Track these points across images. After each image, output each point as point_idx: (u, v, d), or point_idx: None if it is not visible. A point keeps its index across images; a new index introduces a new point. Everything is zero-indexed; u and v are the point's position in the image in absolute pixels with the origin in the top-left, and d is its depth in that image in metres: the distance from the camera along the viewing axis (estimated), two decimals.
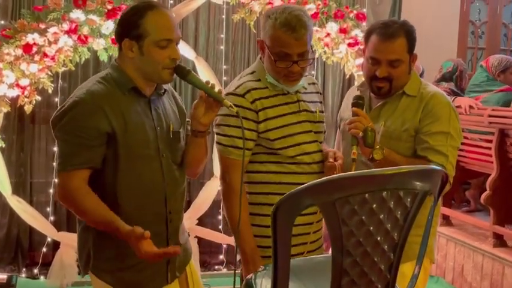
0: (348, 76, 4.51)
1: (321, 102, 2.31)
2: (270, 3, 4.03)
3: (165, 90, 2.07)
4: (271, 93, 2.15)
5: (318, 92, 2.33)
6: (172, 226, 2.03)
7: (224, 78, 4.56)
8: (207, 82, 1.93)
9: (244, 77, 2.19)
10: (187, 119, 2.14)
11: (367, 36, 2.26)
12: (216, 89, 1.93)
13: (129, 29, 1.88)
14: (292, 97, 2.19)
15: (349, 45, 4.19)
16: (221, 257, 4.72)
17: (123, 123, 1.87)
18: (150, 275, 2.00)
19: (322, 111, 2.29)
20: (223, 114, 2.10)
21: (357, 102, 2.20)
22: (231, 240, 4.52)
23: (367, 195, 1.30)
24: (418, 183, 1.35)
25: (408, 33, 2.21)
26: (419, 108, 2.22)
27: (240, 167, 2.03)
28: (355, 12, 4.19)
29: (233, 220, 2.11)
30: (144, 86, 1.96)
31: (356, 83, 4.45)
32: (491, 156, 3.80)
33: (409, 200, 1.36)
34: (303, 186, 1.32)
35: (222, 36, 4.65)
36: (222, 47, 4.65)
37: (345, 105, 2.51)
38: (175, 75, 1.95)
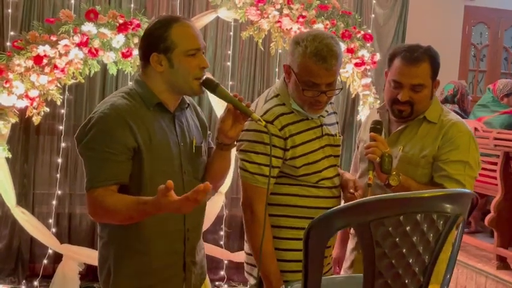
0: (353, 95, 4.53)
1: (337, 123, 2.31)
2: (279, 21, 4.07)
3: (188, 104, 2.07)
4: (297, 119, 2.12)
5: (334, 112, 2.33)
6: (190, 244, 2.02)
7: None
8: (235, 95, 1.91)
9: (270, 101, 2.14)
10: (208, 132, 2.14)
11: (390, 59, 2.26)
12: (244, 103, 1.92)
13: (156, 42, 1.88)
14: (316, 121, 2.16)
15: (356, 65, 4.23)
16: (222, 272, 4.71)
17: (148, 139, 1.86)
18: None
19: (341, 134, 2.30)
20: (249, 140, 2.08)
21: (375, 128, 2.19)
22: (232, 256, 4.52)
23: (401, 217, 1.31)
24: (450, 206, 1.37)
25: (432, 59, 2.21)
26: (439, 136, 2.21)
27: (264, 195, 1.96)
28: (362, 32, 4.24)
29: (257, 249, 2.05)
30: (169, 101, 1.95)
31: (361, 103, 4.49)
32: (495, 178, 3.83)
33: (441, 223, 1.37)
34: (337, 207, 1.33)
35: (229, 52, 4.69)
36: (229, 64, 4.68)
37: (364, 126, 2.51)
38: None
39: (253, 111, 2.11)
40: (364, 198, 1.30)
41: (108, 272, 1.94)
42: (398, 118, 2.27)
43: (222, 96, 1.91)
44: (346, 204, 1.32)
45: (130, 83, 2.03)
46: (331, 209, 1.33)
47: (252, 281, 2.23)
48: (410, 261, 1.38)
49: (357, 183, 2.16)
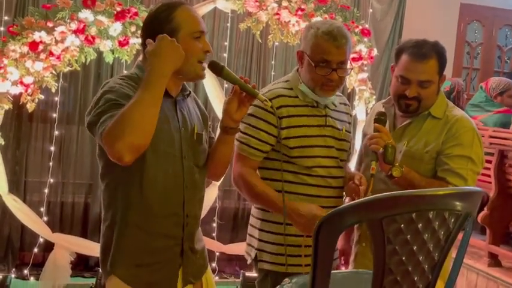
0: (349, 90, 4.53)
1: (349, 123, 2.34)
2: (277, 14, 4.06)
3: (190, 92, 2.07)
4: (301, 103, 2.21)
5: (348, 113, 2.37)
6: (188, 230, 2.01)
7: (225, 85, 4.56)
8: (241, 77, 1.93)
9: (277, 84, 2.28)
10: (209, 123, 2.16)
11: (397, 54, 2.28)
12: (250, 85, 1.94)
13: (161, 25, 1.88)
14: (321, 111, 2.23)
15: (353, 59, 4.23)
16: (213, 264, 4.70)
17: None
18: (164, 277, 1.98)
19: (349, 132, 2.32)
20: (248, 114, 2.11)
21: (379, 119, 2.21)
22: (224, 248, 4.51)
23: (414, 214, 1.30)
24: (462, 204, 1.36)
25: (439, 55, 2.23)
26: (443, 131, 2.22)
27: (251, 165, 2.20)
28: (360, 27, 4.24)
29: (258, 193, 2.19)
30: (171, 86, 1.93)
31: (357, 97, 4.50)
32: (489, 176, 3.85)
33: (452, 221, 1.36)
34: (349, 204, 1.32)
35: (225, 44, 4.66)
36: (225, 55, 4.65)
37: (369, 120, 2.53)
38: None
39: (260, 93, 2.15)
40: (377, 195, 1.29)
41: (108, 251, 1.94)
42: (405, 113, 2.29)
43: (228, 78, 1.94)
44: (358, 200, 1.31)
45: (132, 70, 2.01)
46: (343, 205, 1.32)
47: (249, 260, 2.34)
48: (421, 258, 1.37)
49: (363, 179, 2.18)
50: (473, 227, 1.49)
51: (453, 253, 1.56)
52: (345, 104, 2.39)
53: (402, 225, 1.31)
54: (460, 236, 1.53)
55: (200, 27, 1.92)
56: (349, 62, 2.17)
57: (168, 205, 1.94)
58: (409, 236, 1.32)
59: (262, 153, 2.20)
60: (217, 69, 1.93)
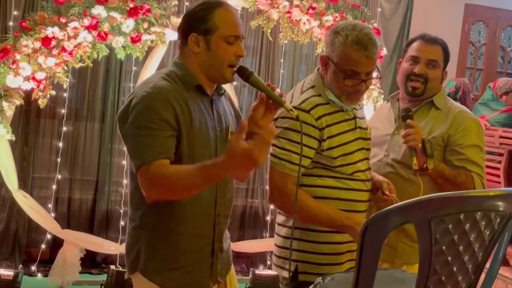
0: None
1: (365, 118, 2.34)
2: (288, 12, 4.05)
3: (224, 91, 2.07)
4: (333, 110, 2.12)
5: (362, 108, 2.35)
6: (219, 229, 2.02)
7: (235, 83, 4.55)
8: (268, 84, 1.91)
9: (307, 92, 2.15)
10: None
11: (407, 46, 2.47)
12: (277, 92, 1.92)
13: (197, 23, 1.88)
14: (350, 114, 2.17)
15: None
16: None
17: (189, 120, 1.85)
18: (197, 278, 1.98)
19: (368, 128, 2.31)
20: (283, 127, 2.07)
21: (407, 115, 2.27)
22: (232, 246, 4.48)
23: (462, 215, 1.32)
24: (506, 205, 1.38)
25: (445, 47, 2.43)
26: (447, 120, 2.35)
27: (292, 181, 2.02)
28: (370, 26, 4.24)
29: (307, 211, 2.06)
30: (206, 85, 1.95)
31: (365, 97, 4.50)
32: (499, 176, 3.88)
33: (497, 221, 1.38)
34: (396, 205, 1.33)
35: None
36: None
37: (375, 115, 2.66)
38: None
39: (289, 101, 2.12)
40: (425, 196, 1.30)
41: (137, 255, 1.93)
42: (411, 96, 2.40)
43: (256, 84, 1.91)
44: (406, 201, 1.31)
45: (169, 67, 2.00)
46: (390, 207, 1.33)
47: (284, 274, 2.18)
48: (466, 259, 1.38)
49: (391, 186, 2.17)
50: None
51: None
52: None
53: (450, 226, 1.32)
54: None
55: (236, 31, 1.89)
56: (376, 68, 2.10)
57: (201, 205, 1.94)
58: (456, 237, 1.34)
59: (304, 169, 2.07)
60: (245, 75, 1.90)
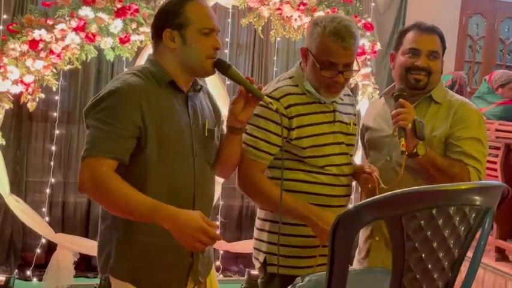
0: (352, 85, 4.48)
1: (354, 115, 2.28)
2: (279, 8, 4.01)
3: (201, 86, 2.03)
4: (309, 100, 2.12)
5: (352, 104, 2.31)
6: None
7: (227, 82, 4.51)
8: (247, 77, 1.90)
9: (283, 81, 2.16)
10: (222, 118, 2.11)
11: (401, 36, 2.33)
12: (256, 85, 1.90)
13: (170, 18, 1.86)
14: (329, 106, 2.15)
15: (356, 54, 4.17)
16: (218, 263, 4.65)
17: (159, 118, 1.82)
18: (173, 277, 1.95)
19: (356, 124, 2.26)
20: (254, 114, 2.06)
21: (401, 94, 2.16)
22: (229, 247, 4.47)
23: (434, 210, 1.27)
24: (482, 198, 1.33)
25: (441, 35, 2.31)
26: (449, 115, 2.23)
27: (259, 168, 2.07)
28: (363, 21, 4.19)
29: (269, 197, 2.05)
30: (182, 81, 1.92)
31: (360, 93, 4.45)
32: (495, 170, 3.81)
33: (473, 216, 1.33)
34: (367, 200, 1.29)
35: (226, 40, 4.61)
36: (227, 51, 4.60)
37: (368, 114, 2.50)
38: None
39: (265, 91, 2.09)
40: (396, 191, 1.25)
41: (107, 255, 1.89)
42: (414, 89, 2.26)
43: (234, 77, 1.90)
44: (376, 197, 1.27)
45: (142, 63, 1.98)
46: (361, 202, 1.29)
47: (257, 264, 2.23)
48: (441, 255, 1.34)
49: (373, 167, 2.14)
50: (493, 222, 1.45)
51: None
52: (349, 95, 2.31)
53: (422, 222, 1.27)
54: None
55: (210, 24, 1.87)
56: (356, 62, 2.07)
57: (177, 203, 1.86)
58: (429, 233, 1.29)
59: (271, 156, 2.09)
60: (223, 68, 1.89)
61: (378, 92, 4.36)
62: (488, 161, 3.89)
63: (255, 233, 2.27)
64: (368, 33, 4.23)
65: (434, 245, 1.31)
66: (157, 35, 1.89)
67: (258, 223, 2.26)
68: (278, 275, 2.04)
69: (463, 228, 1.33)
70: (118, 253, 1.88)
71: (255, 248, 2.25)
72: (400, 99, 2.14)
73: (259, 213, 2.26)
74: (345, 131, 2.18)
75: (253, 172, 2.09)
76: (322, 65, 2.02)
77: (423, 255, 1.31)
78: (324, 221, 2.01)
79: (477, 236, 1.44)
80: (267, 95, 2.01)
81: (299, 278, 1.72)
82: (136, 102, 1.79)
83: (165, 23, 1.87)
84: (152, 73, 1.88)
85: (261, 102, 2.04)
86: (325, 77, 2.03)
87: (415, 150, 2.08)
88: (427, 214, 1.27)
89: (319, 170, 2.12)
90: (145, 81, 1.85)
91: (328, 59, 2.01)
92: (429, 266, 1.33)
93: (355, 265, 2.39)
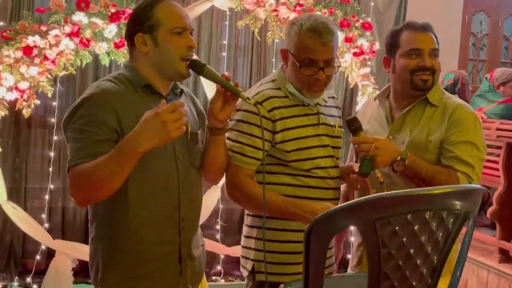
0: (351, 86, 4.44)
1: (340, 117, 2.24)
2: (275, 10, 3.97)
3: (182, 90, 2.00)
4: (292, 103, 2.08)
5: (337, 107, 2.27)
6: (186, 235, 1.94)
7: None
8: (223, 75, 1.86)
9: (265, 84, 2.13)
10: (206, 123, 2.07)
11: (394, 39, 2.22)
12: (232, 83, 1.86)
13: (141, 22, 1.84)
14: (313, 109, 2.12)
15: (354, 54, 4.13)
16: (218, 267, 4.63)
17: (135, 121, 1.76)
18: (164, 285, 1.91)
19: (341, 127, 2.22)
20: (236, 120, 2.04)
21: (356, 128, 2.06)
22: (229, 251, 4.44)
23: (409, 216, 1.22)
24: (461, 203, 1.28)
25: (434, 33, 2.23)
26: (445, 119, 2.16)
27: (246, 174, 2.03)
28: (361, 21, 4.14)
29: (258, 202, 1.97)
30: (160, 84, 1.89)
31: (360, 93, 4.40)
32: (497, 170, 3.75)
33: (451, 221, 1.28)
34: (340, 206, 1.25)
35: (224, 42, 4.58)
36: (224, 54, 4.58)
37: (361, 114, 2.44)
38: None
39: (247, 95, 2.04)
40: (369, 196, 1.21)
41: (96, 268, 1.87)
42: (420, 90, 2.18)
43: (210, 77, 1.87)
44: (349, 202, 1.23)
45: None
46: (334, 208, 1.25)
47: (245, 273, 2.19)
48: (418, 262, 1.29)
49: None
50: (474, 226, 1.40)
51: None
52: (333, 98, 2.27)
53: (397, 227, 1.23)
54: (464, 231, 1.45)
55: (181, 23, 1.85)
56: (336, 58, 2.04)
57: (161, 209, 1.87)
58: (404, 239, 1.25)
59: (257, 161, 2.05)
60: (198, 68, 1.85)
61: (377, 92, 4.30)
62: (490, 161, 3.84)
63: (242, 240, 2.21)
64: (367, 33, 4.18)
65: (411, 251, 1.27)
66: (130, 41, 1.87)
67: (245, 230, 2.21)
68: (267, 283, 1.99)
69: (441, 234, 1.29)
70: (105, 265, 1.86)
71: (243, 256, 2.20)
72: (351, 138, 2.06)
73: (246, 220, 2.21)
74: (330, 133, 2.14)
75: (240, 177, 2.05)
76: (302, 63, 2.00)
77: (400, 262, 1.27)
78: (315, 214, 1.94)
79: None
80: (248, 99, 1.96)
81: (282, 285, 1.69)
82: (111, 106, 1.77)
83: (136, 28, 1.85)
84: (127, 78, 1.87)
85: (243, 107, 2.03)
86: (306, 75, 2.00)
87: (392, 168, 2.03)
88: (401, 219, 1.23)
89: (305, 173, 2.08)
90: (119, 86, 1.84)
91: (308, 56, 1.99)
92: (407, 273, 1.29)
93: (349, 272, 2.34)
